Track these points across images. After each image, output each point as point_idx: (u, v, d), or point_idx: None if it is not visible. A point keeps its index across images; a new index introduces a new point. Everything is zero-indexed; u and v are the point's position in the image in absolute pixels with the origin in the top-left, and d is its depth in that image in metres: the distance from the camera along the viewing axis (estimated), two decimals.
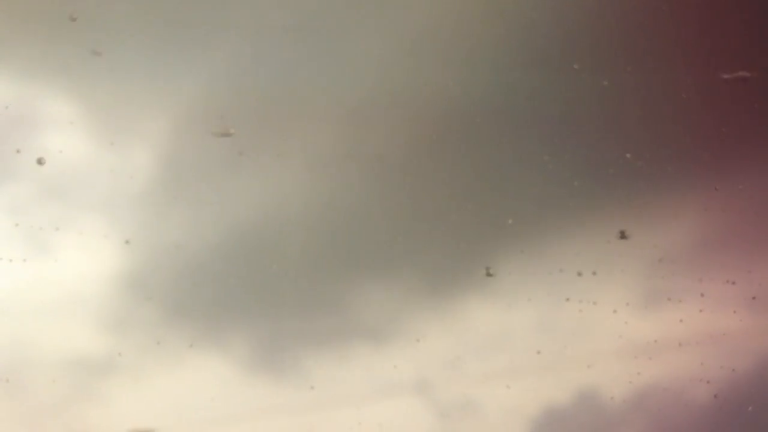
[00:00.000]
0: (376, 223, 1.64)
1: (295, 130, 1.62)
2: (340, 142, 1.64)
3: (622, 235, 1.69)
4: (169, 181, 1.60)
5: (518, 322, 1.67)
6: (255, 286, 1.62)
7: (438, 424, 1.67)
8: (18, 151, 1.55)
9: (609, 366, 1.69)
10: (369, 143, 1.64)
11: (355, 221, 1.64)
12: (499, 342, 1.68)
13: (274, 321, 1.62)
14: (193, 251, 1.60)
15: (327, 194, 1.64)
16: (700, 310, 1.71)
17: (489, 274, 1.65)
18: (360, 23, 1.66)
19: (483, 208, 1.66)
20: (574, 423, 1.69)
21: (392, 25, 1.66)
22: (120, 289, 1.58)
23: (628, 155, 1.68)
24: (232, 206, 1.62)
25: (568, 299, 1.68)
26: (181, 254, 1.59)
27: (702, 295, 1.71)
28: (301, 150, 1.63)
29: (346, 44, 1.65)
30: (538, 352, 1.66)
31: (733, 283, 1.72)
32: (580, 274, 1.68)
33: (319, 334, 1.61)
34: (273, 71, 1.62)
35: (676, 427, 1.72)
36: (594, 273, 1.68)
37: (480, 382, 1.66)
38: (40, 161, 1.56)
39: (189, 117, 1.60)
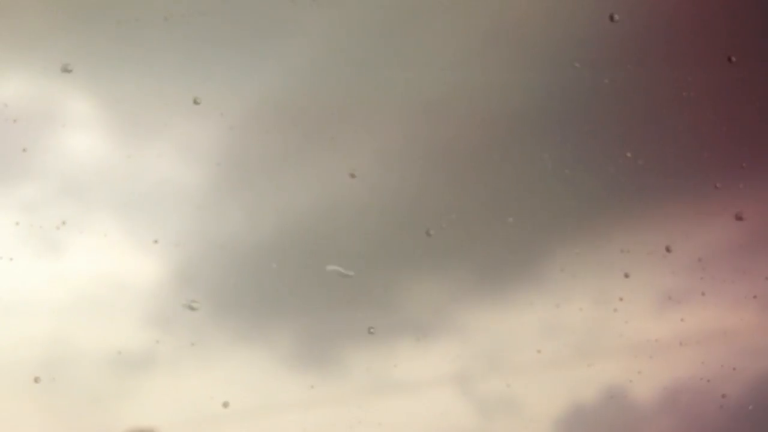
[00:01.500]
0: (429, 217, 1.65)
1: (356, 126, 1.63)
2: (405, 138, 1.65)
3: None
4: (216, 179, 1.61)
5: (521, 323, 1.68)
6: (300, 281, 1.62)
7: (478, 420, 1.67)
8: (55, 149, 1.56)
9: (609, 364, 1.69)
10: (435, 139, 1.65)
11: (409, 215, 1.65)
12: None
13: (318, 316, 1.62)
14: (240, 247, 1.61)
15: (381, 189, 1.64)
16: (701, 309, 1.71)
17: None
18: (431, 25, 1.67)
19: (541, 207, 1.67)
20: (573, 420, 1.70)
21: (462, 26, 1.67)
22: (161, 287, 1.59)
23: (628, 154, 1.69)
24: (280, 200, 1.62)
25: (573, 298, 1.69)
26: (227, 251, 1.60)
27: (703, 293, 1.71)
28: (360, 145, 1.64)
29: (418, 44, 1.66)
30: (538, 351, 1.67)
31: (734, 282, 1.72)
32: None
33: (362, 329, 1.62)
34: (341, 69, 1.63)
35: (676, 425, 1.72)
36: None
37: (519, 377, 1.67)
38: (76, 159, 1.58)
39: (239, 113, 1.61)
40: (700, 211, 1.72)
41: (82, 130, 1.59)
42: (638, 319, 1.70)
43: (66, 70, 1.56)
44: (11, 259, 1.55)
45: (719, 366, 1.71)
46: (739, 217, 1.71)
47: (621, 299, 1.69)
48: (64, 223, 1.56)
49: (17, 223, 1.56)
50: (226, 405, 1.57)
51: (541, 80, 1.68)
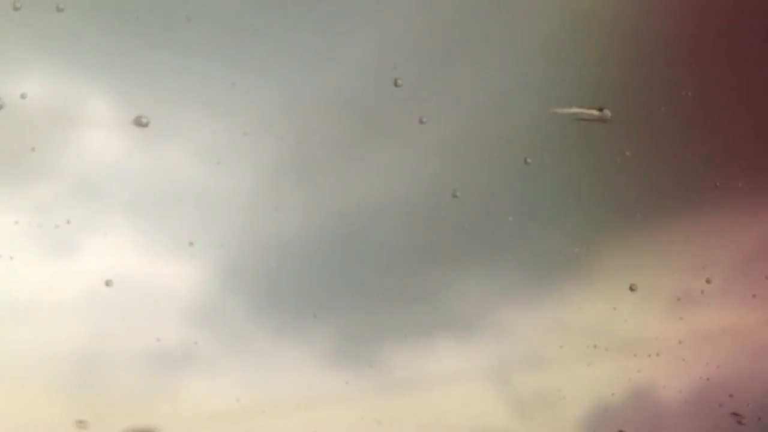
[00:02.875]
0: (483, 214, 1.65)
1: (398, 126, 1.64)
2: (449, 137, 1.66)
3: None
4: (251, 180, 1.62)
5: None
6: (345, 277, 1.63)
7: (514, 416, 1.68)
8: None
9: (608, 363, 1.70)
10: (483, 137, 1.65)
11: (462, 211, 1.65)
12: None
13: (362, 312, 1.63)
14: (281, 247, 1.62)
15: (438, 183, 1.65)
16: (700, 308, 1.72)
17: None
18: (502, 25, 1.67)
19: (594, 205, 1.67)
20: (573, 417, 1.71)
21: (529, 25, 1.67)
22: (207, 284, 1.60)
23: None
24: (330, 195, 1.63)
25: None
26: (274, 245, 1.61)
27: (702, 292, 1.72)
28: (418, 141, 1.64)
29: (487, 42, 1.66)
30: (593, 346, 1.68)
31: (733, 280, 1.72)
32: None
33: (405, 325, 1.63)
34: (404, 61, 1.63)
35: (676, 424, 1.72)
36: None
37: (560, 375, 1.68)
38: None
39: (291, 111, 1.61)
40: (698, 210, 1.73)
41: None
42: (638, 317, 1.71)
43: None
44: (60, 258, 1.57)
45: (718, 365, 1.72)
46: (739, 216, 1.72)
47: (678, 299, 1.70)
48: (111, 226, 1.58)
49: (57, 226, 1.58)
50: (260, 400, 1.59)
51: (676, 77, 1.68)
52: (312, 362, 1.63)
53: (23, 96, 1.55)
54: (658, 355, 1.70)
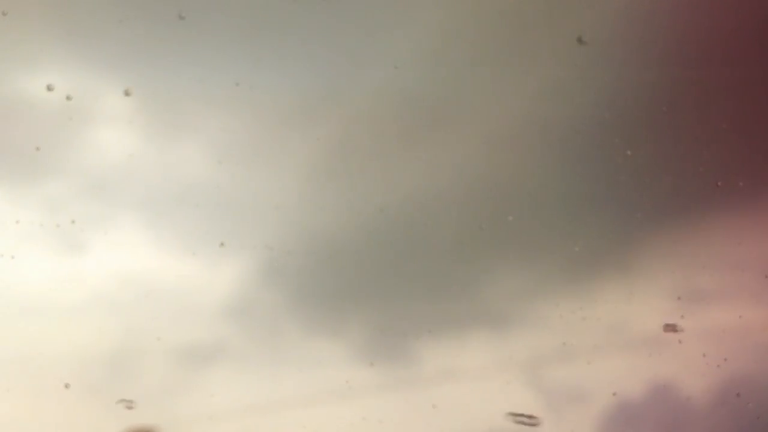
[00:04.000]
0: (526, 208, 1.66)
1: (439, 121, 1.65)
2: (488, 131, 1.66)
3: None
4: (286, 178, 1.63)
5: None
6: (381, 271, 1.64)
7: (545, 412, 1.69)
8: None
9: (608, 362, 1.70)
10: (522, 132, 1.66)
11: (504, 204, 1.66)
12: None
13: (397, 306, 1.64)
14: (317, 243, 1.63)
15: (479, 177, 1.66)
16: (700, 306, 1.72)
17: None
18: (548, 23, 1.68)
19: (638, 202, 1.68)
20: (574, 417, 1.71)
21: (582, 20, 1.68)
22: (232, 285, 1.62)
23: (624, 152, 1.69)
24: (373, 189, 1.64)
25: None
26: (315, 239, 1.63)
27: (701, 291, 1.72)
28: (442, 140, 1.65)
29: (536, 34, 1.67)
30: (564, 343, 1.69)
31: (733, 279, 1.72)
32: None
33: (441, 319, 1.64)
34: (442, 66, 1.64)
35: (676, 423, 1.73)
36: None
37: (588, 371, 1.69)
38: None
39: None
40: (698, 209, 1.73)
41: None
42: (637, 316, 1.71)
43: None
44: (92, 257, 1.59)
45: (718, 364, 1.72)
46: (739, 215, 1.72)
47: (679, 298, 1.70)
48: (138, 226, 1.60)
49: (72, 222, 1.60)
50: (293, 395, 1.60)
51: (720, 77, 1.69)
52: (345, 357, 1.64)
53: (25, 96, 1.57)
54: (657, 354, 1.71)
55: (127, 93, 1.59)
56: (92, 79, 1.60)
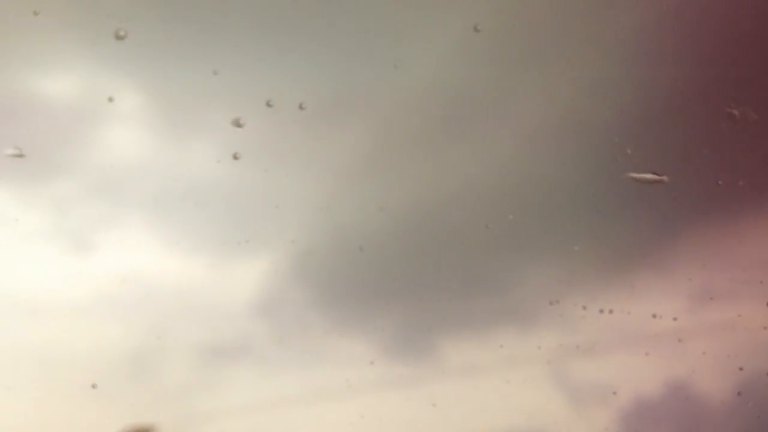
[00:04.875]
0: (551, 207, 1.67)
1: (467, 121, 1.65)
2: (543, 122, 1.67)
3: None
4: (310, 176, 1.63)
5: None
6: (408, 268, 1.65)
7: (570, 409, 1.69)
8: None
9: (605, 360, 1.70)
10: (574, 125, 1.67)
11: (531, 203, 1.67)
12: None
13: (423, 304, 1.64)
14: (343, 241, 1.64)
15: (502, 175, 1.66)
16: (699, 306, 1.72)
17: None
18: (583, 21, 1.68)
19: (666, 202, 1.69)
20: (574, 417, 1.71)
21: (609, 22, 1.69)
22: (266, 277, 1.63)
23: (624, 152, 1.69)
24: (401, 185, 1.65)
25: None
26: (342, 234, 1.63)
27: (701, 290, 1.72)
28: (469, 141, 1.66)
29: (569, 36, 1.68)
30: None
31: (732, 278, 1.72)
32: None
33: (466, 317, 1.64)
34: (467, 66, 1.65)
35: (676, 423, 1.73)
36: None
37: (615, 369, 1.69)
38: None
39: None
40: (697, 209, 1.73)
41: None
42: (637, 315, 1.71)
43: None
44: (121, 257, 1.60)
45: (717, 363, 1.72)
46: (739, 215, 1.72)
47: (711, 298, 1.70)
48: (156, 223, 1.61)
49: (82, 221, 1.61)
50: (318, 391, 1.61)
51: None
52: (373, 352, 1.64)
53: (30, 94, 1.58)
54: (657, 353, 1.71)
55: (137, 92, 1.59)
56: (102, 78, 1.60)
